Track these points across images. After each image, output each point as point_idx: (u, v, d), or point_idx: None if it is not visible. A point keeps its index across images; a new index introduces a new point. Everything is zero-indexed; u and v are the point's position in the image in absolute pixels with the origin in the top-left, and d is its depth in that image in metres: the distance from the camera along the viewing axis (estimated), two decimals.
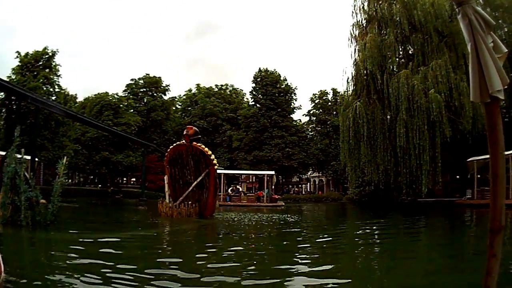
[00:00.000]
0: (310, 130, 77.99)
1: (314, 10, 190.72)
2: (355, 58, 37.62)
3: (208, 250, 11.03)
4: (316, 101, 76.01)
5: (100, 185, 79.09)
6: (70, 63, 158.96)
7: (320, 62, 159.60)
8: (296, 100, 76.32)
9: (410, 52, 37.94)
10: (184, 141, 24.92)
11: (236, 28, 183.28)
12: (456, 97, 31.24)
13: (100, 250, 9.80)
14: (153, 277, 6.86)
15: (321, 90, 76.34)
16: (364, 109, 34.32)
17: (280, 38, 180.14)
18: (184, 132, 25.17)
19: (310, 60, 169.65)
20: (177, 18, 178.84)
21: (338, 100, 61.06)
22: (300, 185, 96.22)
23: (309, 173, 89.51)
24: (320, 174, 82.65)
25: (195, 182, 24.97)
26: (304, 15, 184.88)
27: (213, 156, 25.34)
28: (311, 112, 76.54)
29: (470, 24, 3.05)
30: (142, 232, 16.50)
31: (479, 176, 34.51)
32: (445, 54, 32.40)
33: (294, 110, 76.10)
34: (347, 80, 37.83)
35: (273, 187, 52.58)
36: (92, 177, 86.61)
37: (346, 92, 40.26)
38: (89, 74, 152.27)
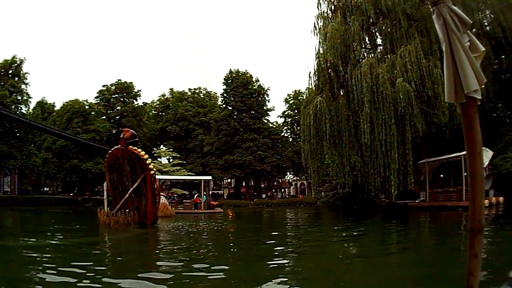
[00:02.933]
0: (285, 132, 73.35)
1: (288, 10, 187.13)
2: (318, 50, 33.04)
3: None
4: (291, 102, 71.46)
5: (71, 194, 75.13)
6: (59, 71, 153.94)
7: (296, 62, 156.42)
8: (269, 101, 72.01)
9: (377, 41, 33.64)
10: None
11: (217, 30, 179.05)
12: (429, 86, 26.58)
13: None
14: None
15: (295, 90, 71.79)
16: (326, 105, 29.87)
17: (257, 41, 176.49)
18: (121, 135, 23.85)
19: (286, 61, 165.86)
20: (155, 24, 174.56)
21: (300, 98, 56.52)
22: (283, 189, 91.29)
23: (289, 177, 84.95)
24: (298, 178, 77.85)
25: (131, 189, 23.20)
26: (278, 15, 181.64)
27: (149, 161, 23.73)
28: (286, 113, 71.92)
29: (445, 24, 2.79)
30: (56, 240, 15.46)
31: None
32: (416, 39, 27.80)
33: (268, 112, 71.64)
34: (309, 75, 33.27)
35: (210, 192, 48.77)
36: (72, 186, 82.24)
37: (308, 88, 35.40)
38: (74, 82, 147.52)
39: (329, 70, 31.60)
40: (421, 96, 27.38)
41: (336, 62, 30.34)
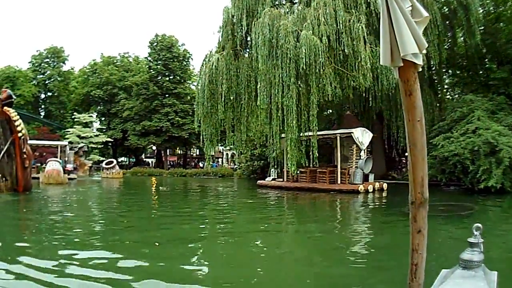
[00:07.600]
0: None
1: None
2: (226, 6, 26.50)
3: None
4: None
5: None
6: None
7: None
8: (194, 67, 64.30)
9: None
10: None
11: None
12: (348, 43, 20.10)
13: None
14: None
15: None
16: (225, 63, 23.66)
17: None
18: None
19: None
20: None
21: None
22: (215, 159, 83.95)
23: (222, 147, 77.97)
24: (229, 148, 70.88)
25: (2, 153, 21.59)
26: None
27: (19, 122, 21.93)
28: None
29: None
30: None
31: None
32: None
33: (191, 77, 63.19)
34: (213, 32, 26.97)
35: (66, 158, 43.41)
36: None
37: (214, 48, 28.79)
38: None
39: (234, 26, 25.42)
40: (335, 54, 21.03)
41: (240, 16, 24.26)
